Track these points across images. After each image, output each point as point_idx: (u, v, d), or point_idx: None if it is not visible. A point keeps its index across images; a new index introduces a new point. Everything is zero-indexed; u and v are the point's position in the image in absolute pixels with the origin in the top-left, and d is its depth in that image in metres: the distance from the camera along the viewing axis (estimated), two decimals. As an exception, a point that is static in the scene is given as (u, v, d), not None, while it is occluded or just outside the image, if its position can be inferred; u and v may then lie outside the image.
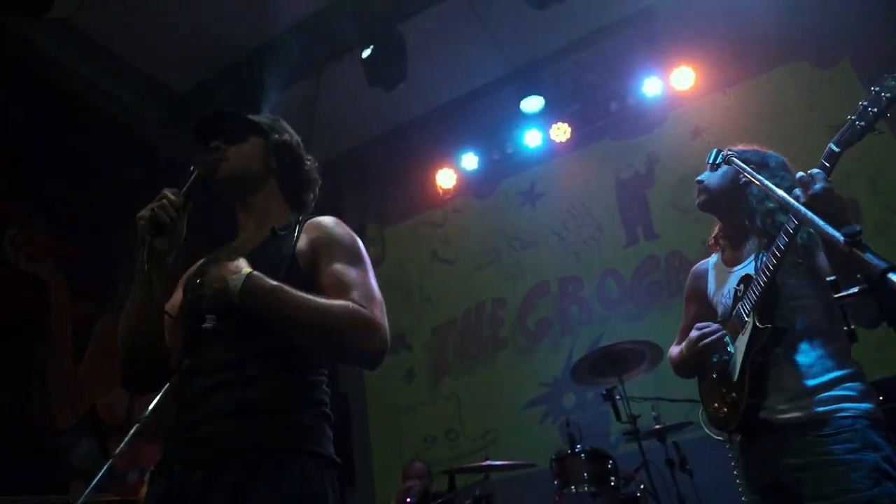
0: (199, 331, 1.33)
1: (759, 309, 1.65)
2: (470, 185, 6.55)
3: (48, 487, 3.80)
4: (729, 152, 1.68)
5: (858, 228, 0.93)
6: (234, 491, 1.17)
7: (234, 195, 1.60)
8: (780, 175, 1.77)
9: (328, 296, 1.34)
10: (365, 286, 1.40)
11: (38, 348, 4.15)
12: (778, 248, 1.57)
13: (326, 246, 1.45)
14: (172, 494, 1.23)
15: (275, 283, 1.31)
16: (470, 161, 6.40)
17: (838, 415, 1.52)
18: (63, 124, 4.84)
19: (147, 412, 2.48)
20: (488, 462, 4.00)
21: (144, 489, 2.51)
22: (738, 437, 1.77)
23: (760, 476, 1.67)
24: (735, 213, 1.88)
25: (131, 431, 2.37)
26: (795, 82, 5.28)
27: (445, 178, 6.50)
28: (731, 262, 1.91)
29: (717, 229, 2.07)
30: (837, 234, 0.97)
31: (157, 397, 2.54)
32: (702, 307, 2.01)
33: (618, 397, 3.88)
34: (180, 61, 5.30)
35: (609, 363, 3.94)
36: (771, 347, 1.64)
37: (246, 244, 1.52)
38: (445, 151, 6.47)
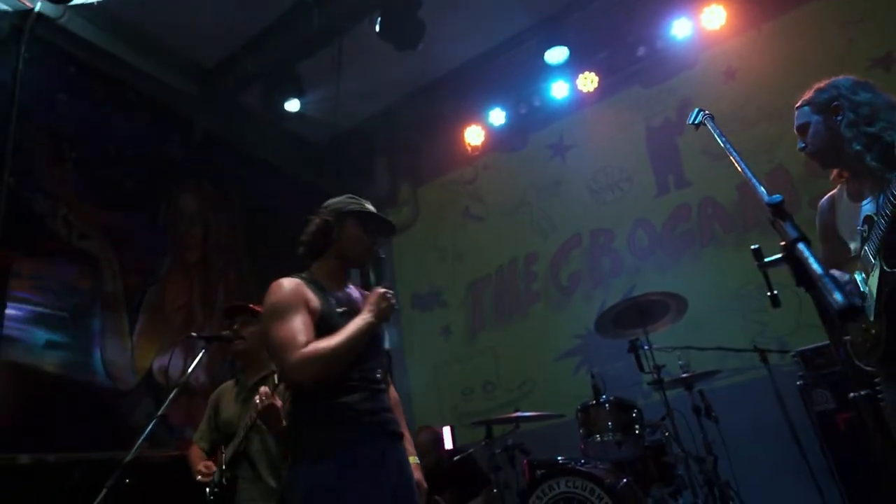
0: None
1: (884, 252, 1.63)
2: (499, 141, 6.54)
3: (113, 445, 4.16)
4: (706, 114, 1.67)
5: (779, 198, 0.96)
6: (402, 451, 2.06)
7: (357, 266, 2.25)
8: (861, 101, 1.77)
9: None
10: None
11: (93, 318, 4.48)
12: (893, 193, 1.56)
13: None
14: (377, 452, 1.91)
15: None
16: (497, 116, 6.37)
17: None
18: (106, 107, 5.07)
19: (185, 377, 2.70)
20: (518, 413, 4.14)
21: (200, 462, 2.75)
22: (884, 366, 1.75)
23: None
24: (843, 160, 1.85)
25: (171, 395, 2.57)
26: (833, 14, 5.00)
27: (474, 135, 6.50)
28: (856, 195, 1.85)
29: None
30: (765, 202, 1.00)
31: (193, 364, 2.76)
32: (835, 242, 1.96)
33: (644, 347, 3.92)
34: (207, 37, 5.42)
35: (634, 315, 3.97)
36: None
37: (346, 295, 2.18)
38: (473, 108, 6.44)
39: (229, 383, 2.98)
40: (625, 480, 3.62)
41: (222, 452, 2.71)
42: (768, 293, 1.01)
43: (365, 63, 5.81)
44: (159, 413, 2.50)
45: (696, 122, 1.72)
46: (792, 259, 0.89)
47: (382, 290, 2.01)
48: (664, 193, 5.61)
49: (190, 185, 5.65)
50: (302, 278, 2.07)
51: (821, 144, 1.85)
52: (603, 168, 5.99)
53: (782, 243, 0.93)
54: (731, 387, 4.57)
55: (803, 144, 1.91)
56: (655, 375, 3.78)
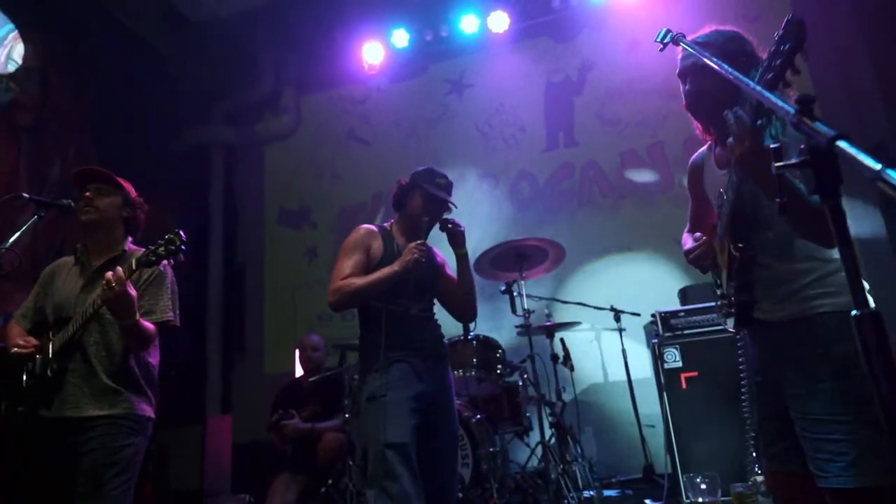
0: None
1: (731, 231, 1.59)
2: (396, 65, 6.21)
3: None
4: (679, 34, 1.58)
5: (812, 96, 0.86)
6: (445, 370, 2.45)
7: (415, 230, 2.46)
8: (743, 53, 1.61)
9: None
10: None
11: None
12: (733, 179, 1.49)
13: (447, 275, 2.66)
14: (417, 373, 2.31)
15: None
16: (401, 38, 6.02)
17: (814, 312, 1.52)
18: None
19: (5, 246, 2.22)
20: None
21: (18, 338, 2.29)
22: (741, 335, 1.78)
23: (754, 369, 1.70)
24: (717, 116, 1.62)
25: (-12, 260, 2.10)
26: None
27: (372, 53, 6.11)
28: (721, 162, 1.76)
29: (696, 122, 1.82)
30: (788, 107, 0.90)
31: (18, 233, 2.28)
32: (700, 201, 1.92)
33: (516, 294, 3.96)
34: None
35: (512, 258, 3.98)
36: (751, 264, 1.61)
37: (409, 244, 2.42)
38: (376, 23, 6.04)
39: (68, 259, 2.50)
40: (478, 416, 3.68)
41: (50, 339, 2.27)
42: (778, 199, 0.92)
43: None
44: (-30, 279, 2.02)
45: (664, 40, 1.61)
46: (821, 160, 0.79)
47: (414, 244, 2.31)
48: (553, 149, 5.67)
49: (31, 34, 4.72)
50: (381, 227, 2.49)
51: (709, 86, 1.66)
52: (498, 113, 5.92)
53: (804, 146, 0.83)
54: (588, 339, 4.81)
55: (692, 88, 1.73)
56: (525, 319, 3.84)
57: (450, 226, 2.48)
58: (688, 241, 1.93)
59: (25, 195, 2.36)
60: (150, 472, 3.85)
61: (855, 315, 0.81)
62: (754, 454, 1.74)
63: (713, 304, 2.72)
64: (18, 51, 4.63)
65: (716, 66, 1.24)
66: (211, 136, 6.35)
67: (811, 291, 1.54)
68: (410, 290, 2.37)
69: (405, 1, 5.94)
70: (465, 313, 2.61)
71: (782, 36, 1.17)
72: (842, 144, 0.79)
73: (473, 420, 3.57)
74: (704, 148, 1.90)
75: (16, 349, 2.22)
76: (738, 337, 1.85)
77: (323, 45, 6.18)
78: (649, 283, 4.82)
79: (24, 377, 2.23)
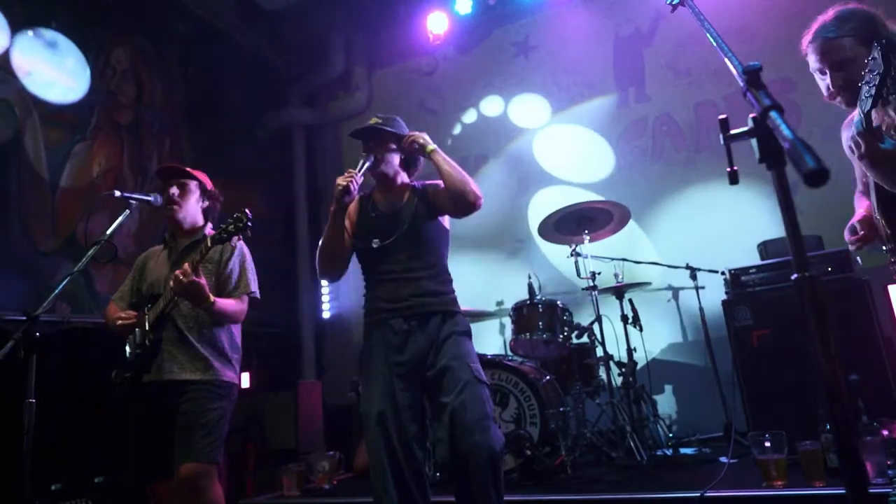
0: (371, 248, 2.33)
1: (883, 210, 1.70)
2: (462, 32, 6.21)
3: (36, 306, 3.98)
4: (684, -7, 1.55)
5: (757, 65, 0.88)
6: (438, 327, 2.19)
7: (380, 179, 2.40)
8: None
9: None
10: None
11: (10, 172, 4.15)
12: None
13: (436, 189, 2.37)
14: (397, 332, 2.20)
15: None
16: (464, 5, 6.01)
17: None
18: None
19: (105, 236, 2.53)
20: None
21: (117, 313, 2.64)
22: None
23: None
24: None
25: (88, 253, 2.42)
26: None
27: (437, 23, 6.15)
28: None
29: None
30: (739, 78, 0.92)
31: (114, 225, 2.59)
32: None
33: (582, 256, 3.97)
34: None
35: (576, 221, 3.99)
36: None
37: (391, 200, 2.39)
38: (439, -7, 6.06)
39: (158, 248, 2.84)
40: (548, 377, 3.77)
41: (146, 313, 2.60)
42: (728, 168, 0.95)
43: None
44: (75, 269, 2.35)
45: (674, 2, 1.59)
46: (761, 129, 0.82)
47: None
48: (623, 105, 5.52)
49: (123, 39, 5.16)
50: (363, 194, 2.45)
51: (851, 74, 1.70)
52: (565, 72, 5.81)
53: (752, 115, 0.86)
54: (660, 299, 4.73)
55: (837, 82, 1.74)
56: (591, 282, 3.85)
57: (402, 144, 2.35)
58: (859, 203, 1.97)
59: (117, 193, 2.67)
60: (251, 433, 4.27)
61: (795, 279, 0.84)
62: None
63: (788, 258, 2.65)
64: (115, 56, 5.09)
65: (711, 38, 1.23)
66: (290, 118, 6.68)
67: None
68: (389, 249, 2.27)
69: (466, -33, 5.90)
70: (458, 205, 2.24)
71: None
72: (773, 115, 0.81)
73: (542, 381, 3.67)
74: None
75: (119, 322, 2.57)
76: None
77: (389, 21, 6.29)
78: (728, 239, 4.64)
79: (127, 348, 2.58)
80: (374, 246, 2.29)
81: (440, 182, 2.28)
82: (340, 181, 2.21)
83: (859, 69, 1.60)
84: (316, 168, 6.83)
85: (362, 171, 2.26)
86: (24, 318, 2.27)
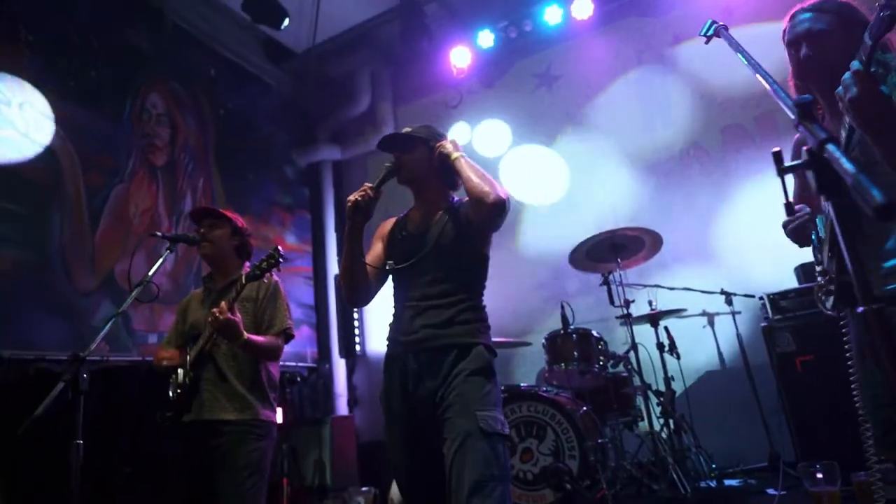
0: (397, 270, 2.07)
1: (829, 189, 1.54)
2: (485, 65, 6.31)
3: (74, 346, 4.06)
4: (719, 25, 1.56)
5: (809, 98, 0.88)
6: (452, 364, 1.87)
7: (410, 187, 2.16)
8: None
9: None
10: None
11: (54, 216, 4.28)
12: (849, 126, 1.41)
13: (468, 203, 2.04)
14: (409, 371, 1.93)
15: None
16: (486, 39, 6.12)
17: None
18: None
19: (147, 277, 2.59)
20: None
21: (163, 353, 2.71)
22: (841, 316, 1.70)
23: (859, 350, 1.63)
24: (836, 70, 1.49)
25: (132, 294, 2.47)
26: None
27: (460, 57, 6.26)
28: (832, 131, 1.69)
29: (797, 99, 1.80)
30: (789, 110, 0.92)
31: (156, 265, 2.65)
32: (804, 178, 1.80)
33: (615, 284, 3.94)
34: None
35: (608, 249, 3.96)
36: (854, 229, 1.53)
37: (423, 219, 2.13)
38: (461, 28, 6.18)
39: (198, 290, 2.90)
40: (584, 408, 3.71)
41: (188, 353, 2.64)
42: (784, 202, 0.94)
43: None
44: (119, 310, 2.40)
45: (708, 33, 1.60)
46: (818, 161, 0.82)
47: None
48: (649, 132, 5.52)
49: (157, 84, 5.35)
50: (405, 212, 2.26)
51: (827, 53, 1.59)
52: (589, 100, 5.84)
53: (806, 147, 0.85)
54: (696, 326, 4.65)
55: (809, 52, 1.62)
56: (624, 310, 3.81)
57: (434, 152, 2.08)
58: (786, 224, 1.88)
59: (158, 233, 2.74)
60: (285, 469, 4.26)
61: (862, 311, 0.83)
62: (871, 443, 1.64)
63: None
64: (151, 100, 5.27)
65: (755, 71, 1.23)
66: (319, 155, 6.81)
67: None
68: (410, 274, 2.03)
69: (487, 2, 6.02)
70: (480, 211, 1.91)
71: None
72: (830, 148, 0.81)
73: (579, 412, 3.61)
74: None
75: (165, 361, 2.62)
76: (841, 317, 1.78)
77: (413, 57, 6.42)
78: (761, 263, 4.56)
79: (170, 390, 2.61)
80: (388, 269, 2.08)
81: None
82: (351, 196, 1.98)
83: (836, 50, 1.56)
84: (344, 203, 6.90)
85: (381, 182, 2.03)
86: (67, 358, 2.31)
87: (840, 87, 1.30)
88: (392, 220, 2.23)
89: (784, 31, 1.76)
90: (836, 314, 1.73)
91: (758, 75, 1.15)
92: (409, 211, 2.21)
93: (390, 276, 2.15)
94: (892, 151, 1.31)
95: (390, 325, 2.09)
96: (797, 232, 1.74)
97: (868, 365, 1.62)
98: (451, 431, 1.77)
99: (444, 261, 2.01)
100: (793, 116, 0.90)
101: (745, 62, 1.24)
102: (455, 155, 2.02)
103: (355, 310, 6.50)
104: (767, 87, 1.06)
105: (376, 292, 2.16)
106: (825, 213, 1.64)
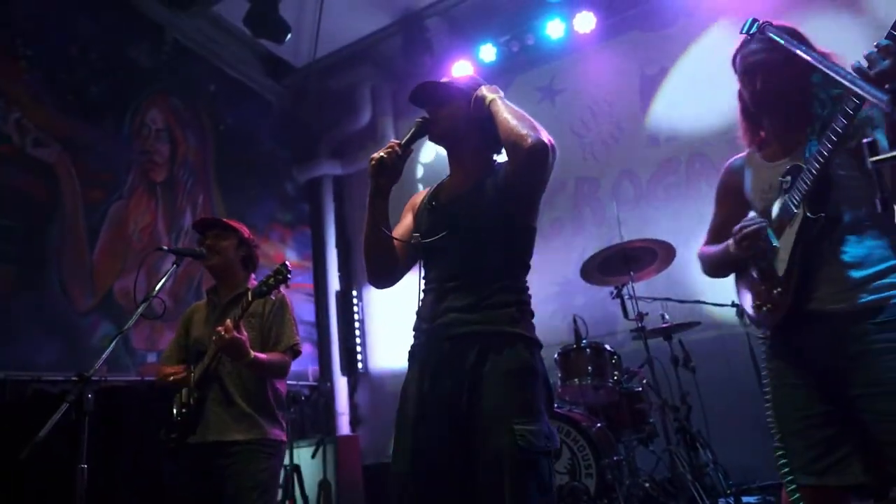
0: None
1: (810, 199, 1.51)
2: (487, 80, 6.24)
3: (72, 366, 3.95)
4: (766, 23, 1.50)
5: (902, 84, 0.82)
6: (480, 357, 1.54)
7: (445, 146, 1.85)
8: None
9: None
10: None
11: (52, 232, 4.18)
12: (834, 131, 1.41)
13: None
14: (427, 367, 1.61)
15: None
16: (488, 53, 6.10)
17: (893, 301, 1.44)
18: (69, 5, 4.64)
19: (153, 293, 2.49)
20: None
21: (168, 369, 2.59)
22: (779, 332, 1.64)
23: (803, 368, 1.56)
24: (791, 102, 1.66)
25: (138, 311, 2.38)
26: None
27: (462, 71, 6.22)
28: (772, 156, 1.72)
29: (743, 124, 1.84)
30: (880, 94, 0.86)
31: (162, 281, 2.55)
32: (736, 205, 1.82)
33: (627, 296, 3.87)
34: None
35: (620, 261, 3.90)
36: (822, 239, 1.53)
37: (457, 186, 1.81)
38: (463, 42, 6.16)
39: (202, 302, 2.79)
40: (599, 425, 3.61)
41: (192, 372, 2.54)
42: (878, 196, 0.87)
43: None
44: (126, 327, 2.30)
45: (750, 31, 1.55)
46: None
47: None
48: (654, 145, 5.49)
49: (157, 99, 5.28)
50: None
51: (786, 85, 1.64)
52: (593, 115, 5.82)
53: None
54: (710, 339, 4.57)
55: (766, 84, 1.66)
56: (638, 323, 3.73)
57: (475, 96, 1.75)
58: (709, 252, 1.85)
59: (164, 247, 2.66)
60: (289, 489, 4.13)
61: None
62: (786, 470, 1.57)
63: None
64: (151, 116, 5.20)
65: (807, 57, 1.17)
66: (319, 170, 6.75)
67: (886, 280, 1.46)
68: (438, 250, 1.71)
69: (489, 16, 6.01)
70: (516, 158, 1.60)
71: None
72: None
73: (593, 429, 3.52)
74: (743, 154, 1.85)
75: (171, 377, 2.51)
76: (761, 338, 1.73)
77: (414, 71, 6.38)
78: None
79: (174, 408, 2.50)
80: (413, 242, 1.74)
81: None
82: (375, 154, 1.67)
83: (788, 81, 1.61)
84: (345, 218, 6.84)
85: (411, 140, 1.72)
86: (69, 378, 2.22)
87: (862, 62, 1.24)
88: (425, 191, 1.92)
89: (734, 59, 1.78)
90: (766, 328, 1.65)
91: (828, 69, 1.09)
92: (444, 179, 1.90)
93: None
94: None
95: (416, 312, 1.74)
96: (753, 237, 1.63)
97: (788, 380, 1.58)
98: (486, 451, 1.44)
99: (479, 234, 1.67)
100: (883, 105, 0.84)
101: (809, 58, 1.17)
102: (490, 97, 1.69)
103: (357, 326, 6.40)
104: (842, 80, 1.00)
105: (405, 272, 1.84)
106: (777, 226, 1.62)
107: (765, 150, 1.76)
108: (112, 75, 4.85)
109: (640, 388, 3.87)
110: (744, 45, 1.73)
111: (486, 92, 1.72)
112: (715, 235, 1.88)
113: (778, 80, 1.64)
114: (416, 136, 1.74)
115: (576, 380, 3.69)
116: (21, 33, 4.27)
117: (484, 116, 1.70)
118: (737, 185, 1.83)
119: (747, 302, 1.71)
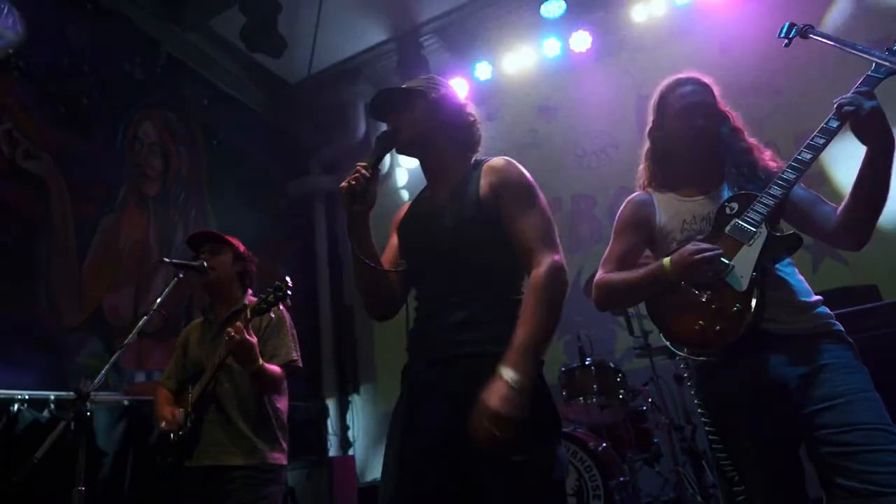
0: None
1: (770, 220, 1.59)
2: (482, 98, 6.28)
3: (57, 384, 3.80)
4: (807, 26, 1.50)
5: None
6: (471, 380, 1.38)
7: (414, 156, 1.74)
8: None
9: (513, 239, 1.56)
10: (541, 229, 1.56)
11: (40, 246, 4.06)
12: (801, 161, 1.57)
13: (503, 189, 1.60)
14: (412, 393, 1.53)
15: None
16: (484, 71, 6.11)
17: (835, 328, 1.58)
18: (60, 15, 4.57)
19: (153, 308, 2.41)
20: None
21: (166, 411, 2.45)
22: (729, 355, 1.59)
23: (755, 390, 1.55)
24: (712, 143, 1.80)
25: (138, 325, 2.29)
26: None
27: (457, 89, 6.22)
28: (687, 194, 1.81)
29: (650, 165, 1.93)
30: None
31: (163, 294, 2.47)
32: (641, 236, 1.86)
33: (631, 314, 3.82)
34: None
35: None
36: (783, 257, 1.63)
37: (433, 195, 1.69)
38: (459, 60, 6.17)
39: (198, 321, 2.70)
40: (604, 445, 3.55)
41: (189, 393, 2.44)
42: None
43: (347, 3, 5.49)
44: (127, 341, 2.23)
45: (790, 35, 1.54)
46: None
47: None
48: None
49: (150, 113, 5.20)
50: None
51: (718, 124, 1.83)
52: (588, 133, 5.83)
53: None
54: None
55: (706, 122, 1.80)
56: (643, 341, 3.69)
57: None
58: (618, 279, 1.81)
59: (166, 259, 2.57)
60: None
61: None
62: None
63: (849, 309, 2.54)
64: (143, 129, 5.11)
65: (864, 55, 1.16)
66: (312, 186, 6.67)
67: (818, 311, 1.60)
68: (422, 272, 1.63)
69: (487, 35, 6.04)
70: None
71: None
72: None
73: (599, 449, 3.45)
74: (642, 192, 1.92)
75: (163, 424, 2.39)
76: (690, 366, 1.79)
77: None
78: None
79: (171, 434, 2.39)
80: (399, 269, 1.63)
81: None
82: (343, 183, 1.57)
83: (716, 120, 1.77)
84: (337, 235, 6.76)
85: (377, 157, 1.63)
86: (52, 396, 2.12)
87: (845, 104, 1.47)
88: (407, 205, 1.81)
89: (662, 96, 1.92)
90: (713, 352, 1.61)
91: (870, 56, 1.07)
92: (423, 190, 1.78)
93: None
94: (889, 164, 1.49)
95: (407, 332, 1.65)
96: (693, 273, 1.62)
97: (737, 401, 1.58)
98: (486, 491, 1.33)
99: (459, 252, 1.55)
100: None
101: (859, 54, 1.15)
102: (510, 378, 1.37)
103: (349, 346, 6.29)
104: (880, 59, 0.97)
105: (405, 298, 1.69)
106: (730, 247, 1.64)
107: (676, 189, 1.84)
108: (105, 88, 4.76)
109: (645, 407, 3.82)
110: (675, 85, 1.88)
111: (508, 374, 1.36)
112: (619, 264, 1.85)
113: (716, 122, 1.77)
114: (382, 152, 1.66)
115: (581, 398, 3.63)
116: (17, 50, 4.18)
117: (448, 115, 1.68)
118: (647, 218, 1.85)
119: (685, 326, 1.64)
